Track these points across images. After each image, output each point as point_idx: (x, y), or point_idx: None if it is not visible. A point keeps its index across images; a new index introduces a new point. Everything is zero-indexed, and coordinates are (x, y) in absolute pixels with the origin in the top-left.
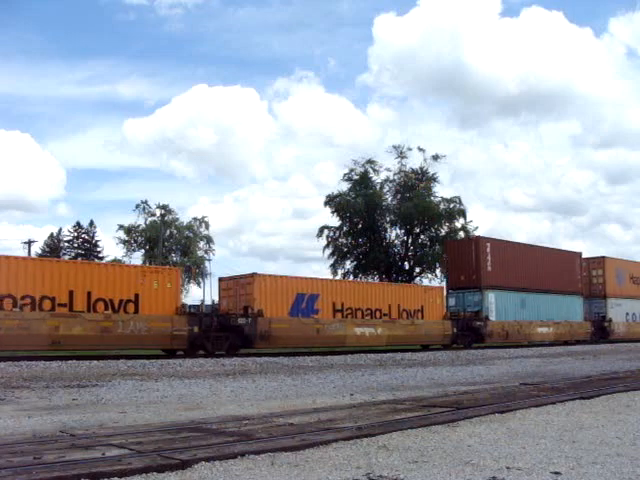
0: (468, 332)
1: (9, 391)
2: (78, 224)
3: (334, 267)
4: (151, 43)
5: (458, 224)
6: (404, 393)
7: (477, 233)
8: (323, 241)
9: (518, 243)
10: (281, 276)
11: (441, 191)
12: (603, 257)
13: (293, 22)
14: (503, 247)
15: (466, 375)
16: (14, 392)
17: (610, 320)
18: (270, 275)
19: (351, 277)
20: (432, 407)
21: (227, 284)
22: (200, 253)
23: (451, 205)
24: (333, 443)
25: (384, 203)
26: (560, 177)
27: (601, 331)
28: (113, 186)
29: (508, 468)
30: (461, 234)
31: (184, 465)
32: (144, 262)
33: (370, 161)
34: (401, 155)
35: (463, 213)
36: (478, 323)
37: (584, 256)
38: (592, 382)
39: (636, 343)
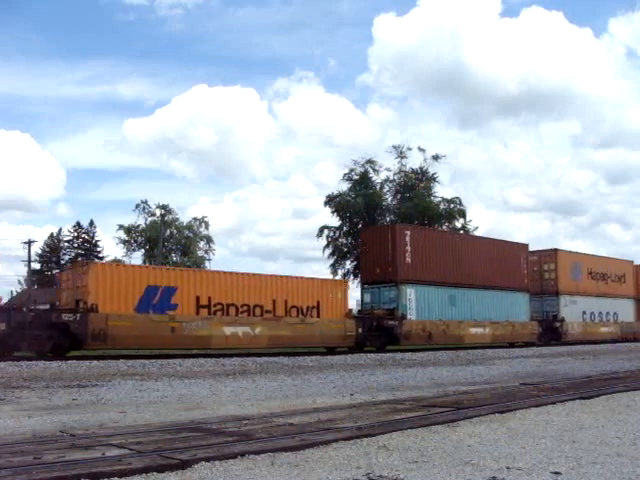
0: (380, 333)
1: (9, 391)
2: (78, 224)
3: (334, 267)
4: (151, 43)
5: (458, 224)
6: (404, 393)
7: (477, 233)
8: (323, 241)
9: (446, 232)
10: (125, 265)
11: (441, 191)
12: (555, 250)
13: (293, 22)
14: (427, 236)
15: (466, 375)
16: (14, 392)
17: (562, 320)
18: (111, 263)
19: (351, 277)
20: (432, 407)
21: (67, 275)
22: (200, 253)
23: (451, 205)
24: (333, 443)
25: (384, 203)
26: (560, 177)
27: (552, 332)
28: (113, 186)
29: (508, 468)
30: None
31: (184, 465)
32: (144, 262)
33: (370, 161)
34: (401, 155)
35: (463, 213)
36: (391, 322)
37: (539, 248)
38: (592, 382)
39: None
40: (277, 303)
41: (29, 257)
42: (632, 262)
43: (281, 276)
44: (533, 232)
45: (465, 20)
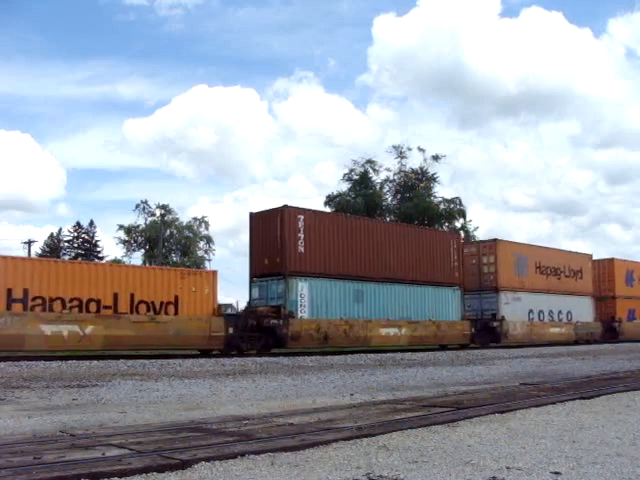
0: (260, 334)
1: (9, 391)
2: (78, 224)
3: None
4: (151, 43)
5: (458, 224)
6: (404, 393)
7: (477, 233)
8: None
9: (351, 216)
10: None
11: (441, 191)
12: (495, 240)
13: (293, 22)
14: (327, 222)
15: (466, 375)
16: (14, 392)
17: (502, 319)
18: None
19: None
20: (432, 407)
21: None
22: (200, 253)
23: (451, 205)
24: (333, 443)
25: (384, 203)
26: (560, 177)
27: (489, 333)
28: (113, 186)
29: (508, 468)
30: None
31: (184, 465)
32: (144, 262)
33: (370, 161)
34: (401, 155)
35: (463, 213)
36: (273, 322)
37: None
38: (592, 382)
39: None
40: (120, 298)
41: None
42: (590, 256)
43: (127, 265)
44: (533, 232)
45: (465, 20)
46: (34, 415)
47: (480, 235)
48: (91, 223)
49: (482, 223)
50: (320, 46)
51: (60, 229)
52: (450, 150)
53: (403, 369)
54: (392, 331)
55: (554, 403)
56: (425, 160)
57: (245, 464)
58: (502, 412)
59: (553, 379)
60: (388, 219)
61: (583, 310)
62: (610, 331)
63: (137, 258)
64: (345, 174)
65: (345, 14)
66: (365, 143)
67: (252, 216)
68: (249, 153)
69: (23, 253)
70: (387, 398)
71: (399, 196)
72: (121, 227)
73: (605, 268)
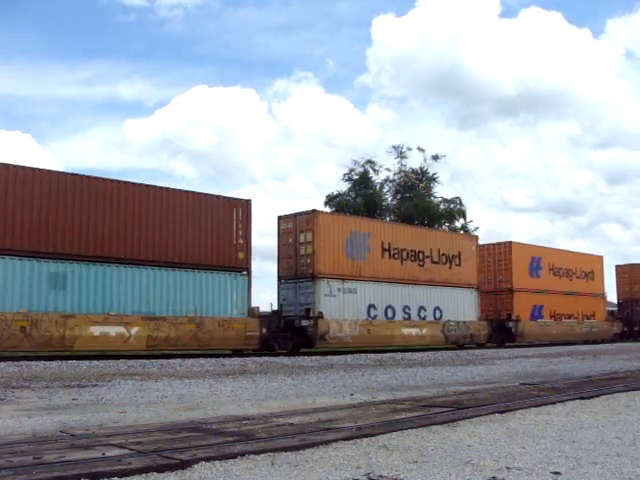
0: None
1: (9, 391)
2: None
3: None
4: (151, 44)
5: (458, 224)
6: (404, 393)
7: (477, 233)
8: None
9: (59, 173)
10: None
11: (441, 191)
12: (314, 211)
13: (293, 23)
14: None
15: (466, 375)
16: (14, 392)
17: (319, 316)
18: None
19: None
20: (432, 407)
21: None
22: None
23: (451, 205)
24: (333, 443)
25: (384, 203)
26: (559, 177)
27: (298, 335)
28: None
29: (508, 468)
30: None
31: (184, 465)
32: None
33: (370, 161)
34: (401, 155)
35: (463, 213)
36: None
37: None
38: (592, 382)
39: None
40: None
41: None
42: (475, 238)
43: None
44: (533, 232)
45: (464, 21)
46: (34, 415)
47: (481, 235)
48: None
49: (482, 223)
50: (320, 47)
51: None
52: (449, 150)
53: (403, 369)
54: (114, 330)
55: (554, 403)
56: (425, 160)
57: (245, 464)
58: (502, 412)
59: (553, 379)
60: (388, 219)
61: (461, 306)
62: (504, 332)
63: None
64: (345, 174)
65: (344, 15)
66: (365, 143)
67: None
68: (249, 154)
69: None
70: (387, 398)
71: (399, 196)
72: None
73: (502, 254)
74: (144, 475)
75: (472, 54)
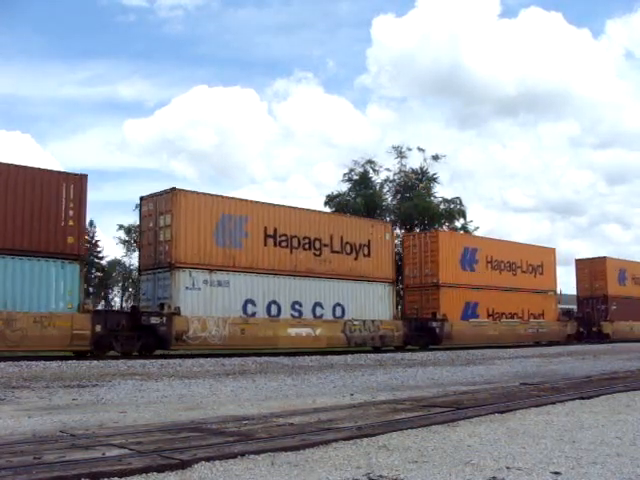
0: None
1: (9, 391)
2: None
3: None
4: (151, 44)
5: (458, 224)
6: (404, 393)
7: (477, 233)
8: None
9: None
10: None
11: (441, 191)
12: (174, 189)
13: (293, 23)
14: None
15: (466, 375)
16: (14, 392)
17: (176, 312)
18: None
19: None
20: (432, 407)
21: None
22: None
23: (451, 205)
24: (333, 443)
25: (384, 203)
26: (559, 177)
27: (148, 334)
28: (113, 186)
29: (508, 468)
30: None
31: (184, 465)
32: None
33: (370, 161)
34: (401, 155)
35: (463, 213)
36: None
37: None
38: (592, 382)
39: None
40: None
41: None
42: (388, 225)
43: None
44: (533, 232)
45: (464, 21)
46: (34, 415)
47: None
48: (91, 223)
49: (482, 223)
50: (320, 47)
51: None
52: (449, 150)
53: (403, 369)
54: None
55: (554, 403)
56: (425, 160)
57: (245, 464)
58: (502, 412)
59: (553, 379)
60: (388, 219)
61: (370, 303)
62: (428, 334)
63: (137, 258)
64: (345, 174)
65: (344, 15)
66: (365, 143)
67: None
68: (249, 154)
69: None
70: (387, 398)
71: (399, 196)
72: (121, 227)
73: (427, 244)
74: (144, 475)
75: (472, 54)
